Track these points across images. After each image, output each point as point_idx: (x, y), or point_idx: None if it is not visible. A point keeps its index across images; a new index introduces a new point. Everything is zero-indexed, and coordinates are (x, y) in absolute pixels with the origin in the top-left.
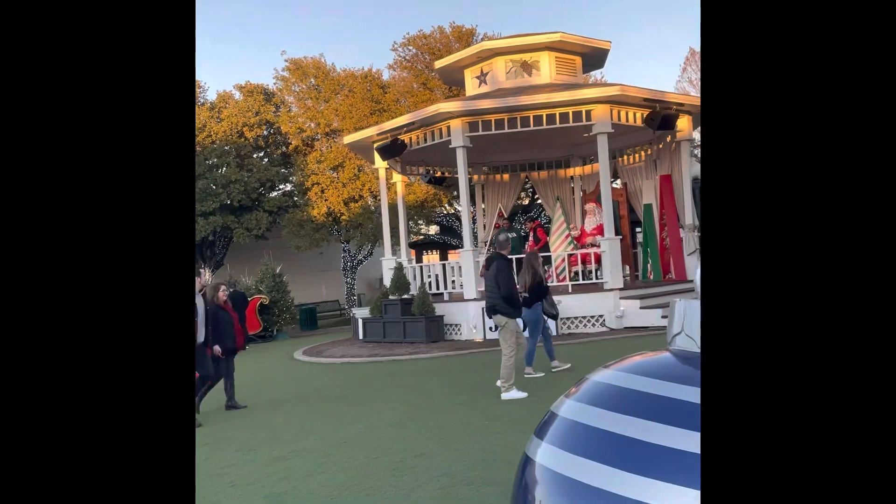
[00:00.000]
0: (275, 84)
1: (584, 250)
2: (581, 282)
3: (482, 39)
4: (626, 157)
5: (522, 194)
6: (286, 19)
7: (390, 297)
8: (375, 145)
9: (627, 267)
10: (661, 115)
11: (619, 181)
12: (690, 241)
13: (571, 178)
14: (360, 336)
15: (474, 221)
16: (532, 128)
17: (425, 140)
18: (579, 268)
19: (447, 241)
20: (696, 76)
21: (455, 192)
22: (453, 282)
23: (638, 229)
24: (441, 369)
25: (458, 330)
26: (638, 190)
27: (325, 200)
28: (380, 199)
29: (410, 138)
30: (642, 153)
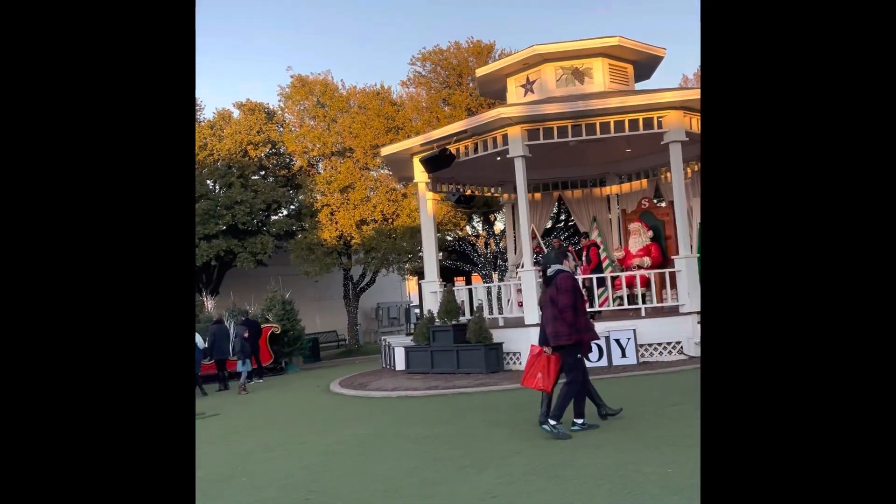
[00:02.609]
0: (279, 101)
1: (629, 273)
2: (635, 305)
3: (499, 56)
4: (668, 174)
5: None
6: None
7: (438, 322)
8: (419, 157)
9: (672, 291)
10: None
11: (663, 200)
12: None
13: (608, 197)
14: (400, 366)
15: (489, 244)
16: (599, 135)
17: (476, 150)
18: (624, 291)
19: (459, 266)
20: None
21: (476, 212)
22: (509, 303)
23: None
24: (528, 402)
25: (518, 359)
26: (686, 209)
27: (336, 223)
28: (392, 222)
29: (458, 149)
30: (688, 170)
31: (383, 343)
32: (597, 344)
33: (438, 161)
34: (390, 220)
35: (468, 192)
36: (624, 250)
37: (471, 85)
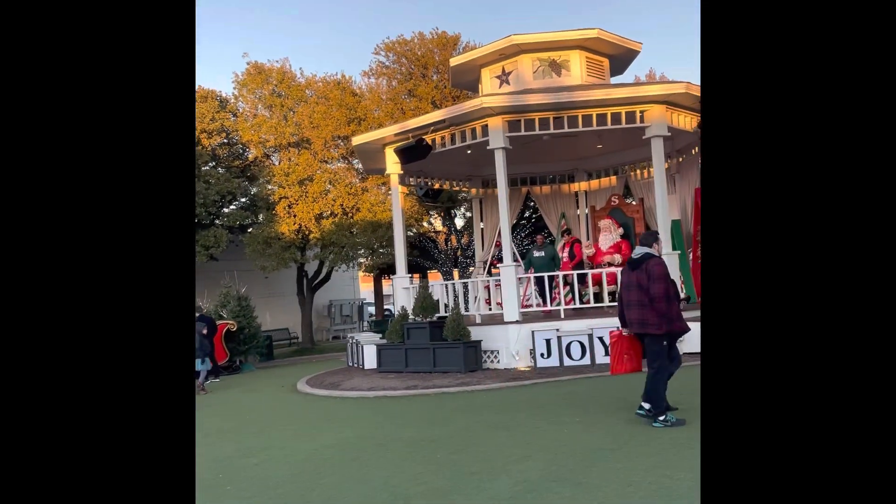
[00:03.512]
0: (233, 89)
1: (598, 270)
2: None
3: (464, 49)
4: (638, 171)
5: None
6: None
7: (412, 319)
8: (394, 147)
9: None
10: None
11: (632, 197)
12: None
13: (576, 193)
14: (370, 365)
15: (449, 240)
16: (581, 128)
17: (453, 141)
18: (591, 289)
19: (421, 262)
20: None
21: (438, 207)
22: (476, 300)
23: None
24: (519, 402)
25: (496, 357)
26: (655, 206)
27: (294, 216)
28: (352, 217)
29: (434, 139)
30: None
31: (350, 341)
32: (579, 342)
33: (415, 151)
34: (350, 215)
35: (436, 186)
36: (594, 247)
37: (435, 77)
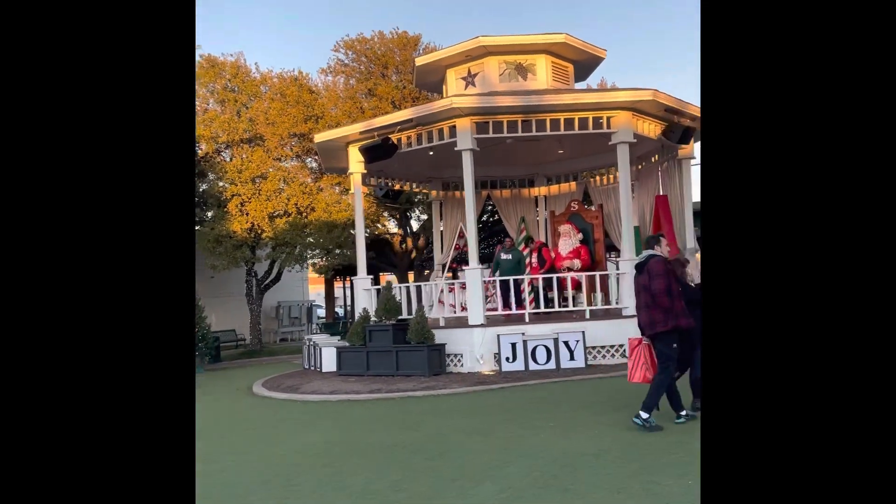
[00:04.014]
0: None
1: (559, 274)
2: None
3: (425, 50)
4: (598, 177)
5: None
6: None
7: (376, 321)
8: (359, 146)
9: (602, 294)
10: (682, 128)
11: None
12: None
13: (536, 198)
14: (329, 368)
15: (405, 242)
16: (549, 132)
17: (420, 142)
18: (557, 294)
19: (376, 264)
20: None
21: (396, 209)
22: (433, 305)
23: (613, 254)
24: (489, 407)
25: (460, 361)
26: (614, 212)
27: (247, 215)
28: (306, 216)
29: (400, 139)
30: (617, 174)
31: (307, 343)
32: (545, 346)
33: (380, 150)
34: (304, 214)
35: (397, 187)
36: (554, 252)
37: (395, 77)
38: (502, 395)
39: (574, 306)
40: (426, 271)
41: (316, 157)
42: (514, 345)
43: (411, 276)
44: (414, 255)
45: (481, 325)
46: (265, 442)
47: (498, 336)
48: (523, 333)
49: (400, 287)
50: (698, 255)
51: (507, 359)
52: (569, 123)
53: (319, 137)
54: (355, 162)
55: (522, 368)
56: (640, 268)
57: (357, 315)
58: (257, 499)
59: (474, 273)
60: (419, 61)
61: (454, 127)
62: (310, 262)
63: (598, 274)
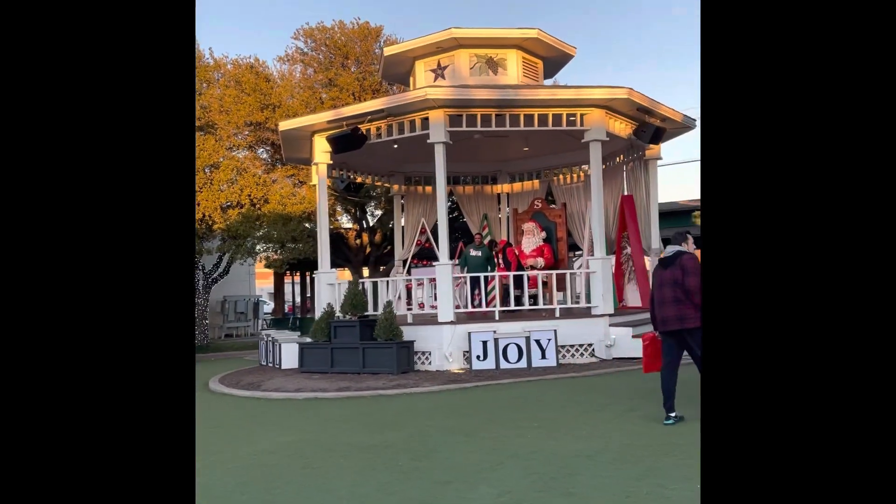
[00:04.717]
0: None
1: (531, 272)
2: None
3: (386, 42)
4: (562, 176)
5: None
6: None
7: (341, 317)
8: (326, 135)
9: (561, 294)
10: (653, 128)
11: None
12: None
13: (498, 195)
14: (289, 364)
15: (361, 237)
16: (522, 128)
17: (390, 133)
18: (514, 292)
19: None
20: None
21: (355, 203)
22: (421, 303)
23: (576, 252)
24: (465, 406)
25: (428, 358)
26: (578, 211)
27: (198, 205)
28: (259, 208)
29: (369, 130)
30: (581, 173)
31: (265, 339)
32: (516, 345)
33: (349, 140)
34: (258, 206)
35: (359, 180)
36: (518, 249)
37: (354, 69)
38: (477, 394)
39: (539, 305)
40: (381, 267)
41: (268, 148)
42: (485, 343)
43: (366, 271)
44: (369, 250)
45: (451, 323)
46: (234, 441)
47: (469, 334)
48: (495, 331)
49: (365, 282)
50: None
51: (479, 357)
52: (542, 119)
53: (284, 125)
54: (321, 152)
55: (493, 367)
56: (667, 263)
57: (319, 311)
58: (237, 502)
59: (445, 269)
60: (388, 51)
61: (426, 119)
62: (262, 255)
63: (568, 272)
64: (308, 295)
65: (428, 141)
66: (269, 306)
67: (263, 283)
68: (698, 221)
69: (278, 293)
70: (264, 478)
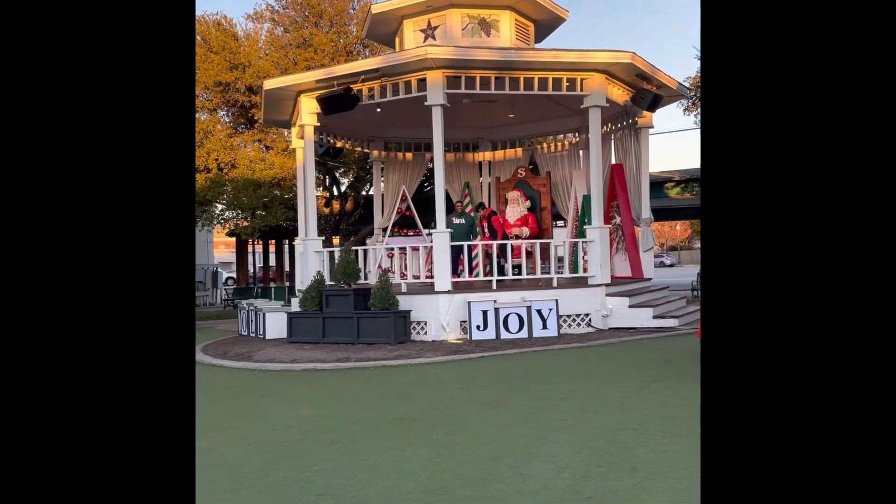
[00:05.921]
0: None
1: (516, 241)
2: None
3: (359, 4)
4: (546, 144)
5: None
6: None
7: (333, 285)
8: (317, 95)
9: (547, 264)
10: (651, 95)
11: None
12: (648, 237)
13: (480, 163)
14: (274, 335)
15: (331, 204)
16: (522, 91)
17: (384, 94)
18: (499, 261)
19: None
20: None
21: (327, 169)
22: (416, 273)
23: (559, 222)
24: (479, 377)
25: (423, 328)
26: (562, 181)
27: None
28: (226, 174)
29: (362, 90)
30: (566, 142)
31: (246, 308)
32: (517, 314)
33: (340, 101)
34: (225, 171)
35: (339, 145)
36: (502, 218)
37: (327, 30)
38: (486, 364)
39: (522, 275)
40: (351, 237)
41: (234, 110)
42: (485, 312)
43: (336, 240)
44: (339, 218)
45: (448, 292)
46: (244, 416)
47: (469, 303)
48: (495, 301)
49: (357, 250)
50: (653, 225)
51: (478, 326)
52: (542, 83)
53: (270, 84)
54: (307, 113)
55: (494, 337)
56: None
57: (301, 279)
58: (273, 482)
59: (442, 237)
60: (375, 9)
61: (423, 80)
62: (231, 222)
63: (568, 241)
64: (273, 265)
65: (425, 103)
66: (227, 275)
67: (221, 253)
68: (672, 193)
69: (241, 261)
70: (293, 454)
